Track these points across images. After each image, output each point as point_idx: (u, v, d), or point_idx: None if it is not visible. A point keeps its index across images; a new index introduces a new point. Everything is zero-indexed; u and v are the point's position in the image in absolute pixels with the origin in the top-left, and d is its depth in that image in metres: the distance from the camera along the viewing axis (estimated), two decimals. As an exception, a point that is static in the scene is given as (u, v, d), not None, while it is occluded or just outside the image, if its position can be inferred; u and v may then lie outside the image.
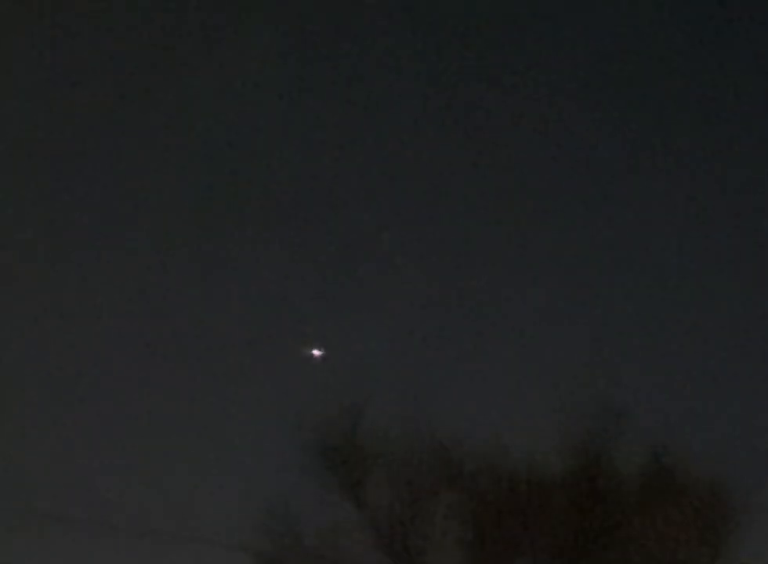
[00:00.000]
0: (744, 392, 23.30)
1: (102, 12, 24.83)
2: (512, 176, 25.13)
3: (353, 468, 21.43)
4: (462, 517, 21.52)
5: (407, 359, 23.09)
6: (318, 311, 24.29)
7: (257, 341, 23.62)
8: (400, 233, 25.03)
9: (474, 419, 21.43)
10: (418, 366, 22.96)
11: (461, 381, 22.92)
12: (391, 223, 24.96)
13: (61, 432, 22.39)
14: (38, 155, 24.50)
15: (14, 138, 24.24)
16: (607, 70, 25.59)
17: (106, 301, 24.05)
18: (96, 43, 24.84)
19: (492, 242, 24.98)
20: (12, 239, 24.08)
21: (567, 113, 25.34)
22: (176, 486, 21.79)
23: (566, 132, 25.41)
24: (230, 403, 22.72)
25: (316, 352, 23.84)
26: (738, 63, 26.17)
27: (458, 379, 22.98)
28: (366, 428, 21.54)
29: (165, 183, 24.77)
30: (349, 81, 25.58)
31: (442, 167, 25.36)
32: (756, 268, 24.86)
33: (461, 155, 25.30)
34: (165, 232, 24.63)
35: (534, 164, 25.36)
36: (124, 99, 24.97)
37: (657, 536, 21.31)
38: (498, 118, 25.23)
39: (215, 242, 24.71)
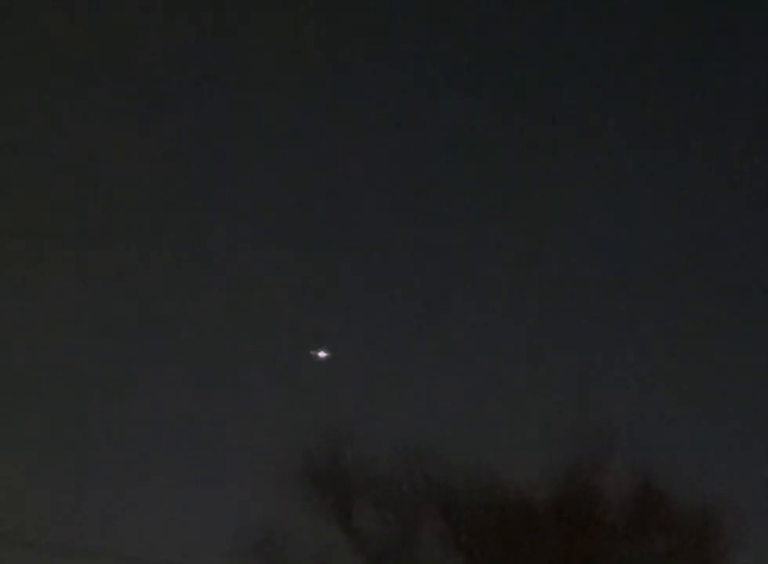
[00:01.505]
0: (734, 420, 23.31)
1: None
2: (509, 206, 25.20)
3: (341, 494, 21.35)
4: (451, 543, 21.43)
5: (396, 386, 22.99)
6: (305, 340, 24.15)
7: (244, 369, 23.48)
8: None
9: (463, 445, 21.32)
10: (407, 393, 22.91)
11: (450, 408, 22.86)
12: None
13: (45, 450, 22.16)
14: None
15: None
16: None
17: (94, 301, 23.88)
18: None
19: (482, 266, 24.94)
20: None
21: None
22: (165, 511, 21.61)
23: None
24: (219, 428, 22.58)
25: (321, 354, 23.81)
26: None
27: (447, 406, 22.93)
28: (355, 454, 21.43)
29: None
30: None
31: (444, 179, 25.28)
32: (741, 290, 24.89)
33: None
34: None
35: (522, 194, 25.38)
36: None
37: (647, 562, 21.27)
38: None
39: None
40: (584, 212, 25.34)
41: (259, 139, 25.18)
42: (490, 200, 25.48)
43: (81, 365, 23.19)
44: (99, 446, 22.47)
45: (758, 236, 25.11)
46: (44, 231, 24.27)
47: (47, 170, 24.58)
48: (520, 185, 25.50)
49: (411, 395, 22.84)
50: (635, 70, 26.14)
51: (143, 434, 22.56)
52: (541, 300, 24.70)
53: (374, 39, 25.81)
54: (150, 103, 24.96)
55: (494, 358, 23.99)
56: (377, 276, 24.67)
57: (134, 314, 23.98)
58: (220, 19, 25.41)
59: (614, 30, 26.15)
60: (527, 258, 24.77)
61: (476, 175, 25.66)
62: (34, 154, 24.52)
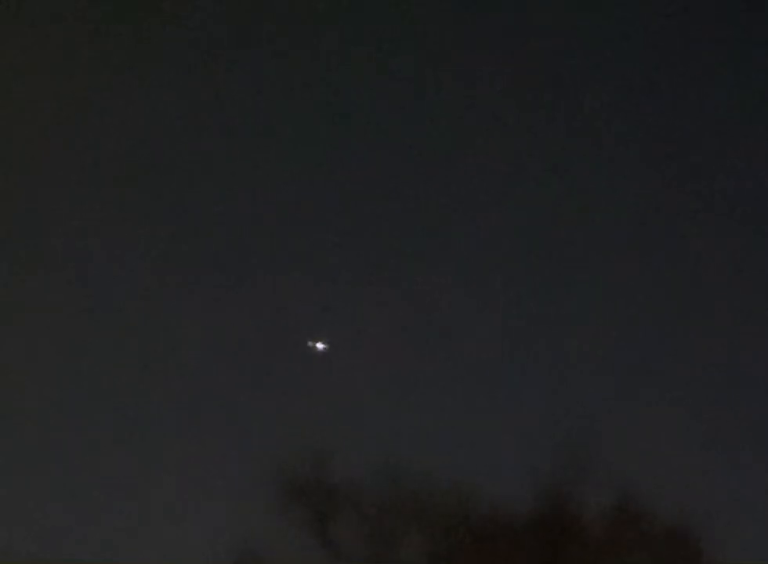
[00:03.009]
0: (713, 436, 23.41)
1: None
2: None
3: (322, 508, 21.39)
4: (431, 558, 21.49)
5: (376, 401, 23.01)
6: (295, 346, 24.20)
7: (224, 383, 23.50)
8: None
9: (442, 460, 21.42)
10: (387, 407, 22.92)
11: (430, 422, 22.88)
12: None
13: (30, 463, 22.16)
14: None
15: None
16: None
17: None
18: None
19: (462, 280, 25.04)
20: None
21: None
22: (144, 525, 21.59)
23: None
24: (198, 442, 22.54)
25: (319, 346, 23.84)
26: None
27: (426, 420, 22.95)
28: (335, 468, 21.51)
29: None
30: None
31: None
32: (720, 305, 25.05)
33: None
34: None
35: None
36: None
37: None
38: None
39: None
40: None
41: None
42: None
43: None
44: (85, 459, 22.46)
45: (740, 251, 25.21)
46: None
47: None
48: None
49: (391, 410, 22.85)
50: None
51: (129, 446, 22.58)
52: (520, 317, 24.77)
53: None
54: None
55: (476, 375, 24.07)
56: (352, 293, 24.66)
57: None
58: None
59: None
60: (505, 278, 24.86)
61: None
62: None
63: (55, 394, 22.94)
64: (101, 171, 24.53)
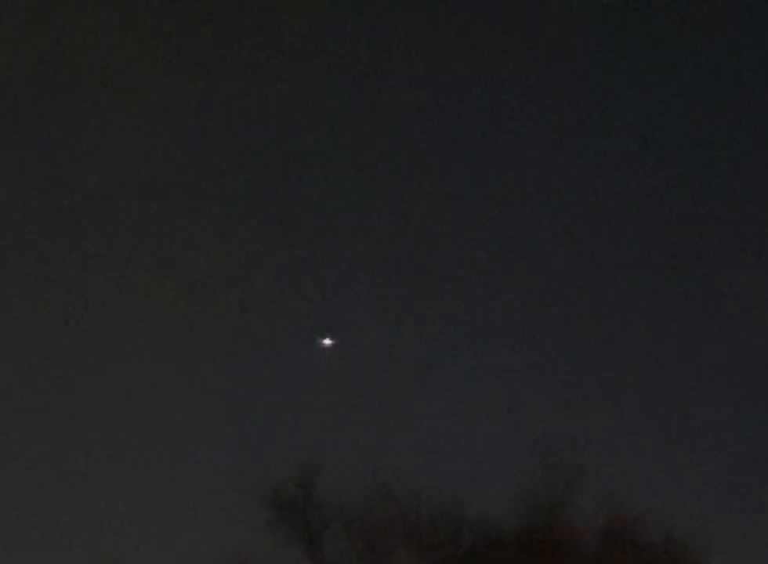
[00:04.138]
0: (701, 451, 23.50)
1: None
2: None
3: (310, 523, 21.33)
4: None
5: (365, 416, 23.03)
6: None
7: (213, 399, 23.47)
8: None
9: (433, 475, 21.42)
10: (377, 423, 22.93)
11: (420, 437, 22.92)
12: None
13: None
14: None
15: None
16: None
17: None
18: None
19: (458, 297, 25.09)
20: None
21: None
22: (134, 540, 21.56)
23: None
24: (187, 455, 22.51)
25: (327, 342, 23.81)
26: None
27: (416, 435, 22.98)
28: (324, 483, 21.47)
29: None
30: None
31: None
32: (706, 326, 25.16)
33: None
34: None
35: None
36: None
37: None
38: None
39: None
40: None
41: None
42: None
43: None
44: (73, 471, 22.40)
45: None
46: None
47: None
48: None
49: (381, 427, 22.87)
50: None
51: (119, 458, 22.54)
52: (510, 333, 24.84)
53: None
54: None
55: (466, 391, 24.12)
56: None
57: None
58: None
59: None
60: (494, 291, 24.92)
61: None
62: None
63: (40, 395, 22.94)
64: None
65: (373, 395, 23.51)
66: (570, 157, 25.66)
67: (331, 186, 25.06)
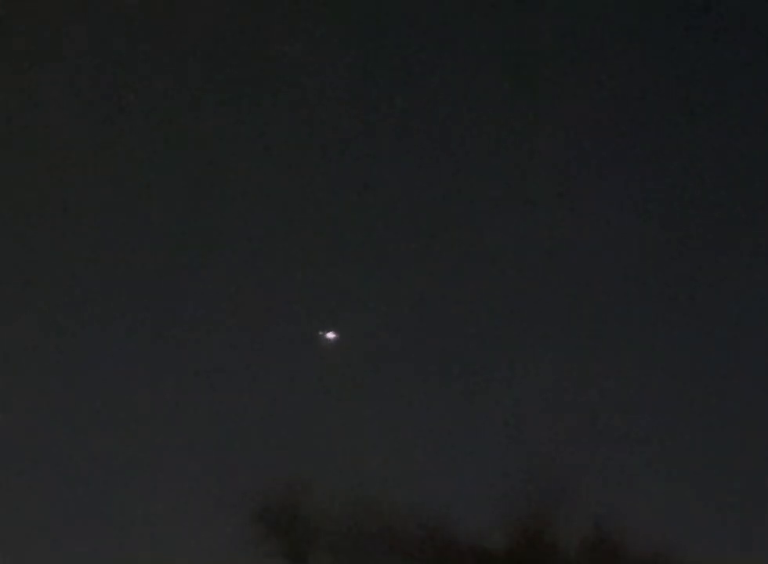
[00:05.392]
0: (688, 469, 23.50)
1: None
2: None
3: (297, 537, 21.30)
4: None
5: (353, 431, 22.97)
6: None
7: (200, 408, 23.39)
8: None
9: (418, 491, 21.39)
10: (364, 438, 22.88)
11: (406, 454, 22.85)
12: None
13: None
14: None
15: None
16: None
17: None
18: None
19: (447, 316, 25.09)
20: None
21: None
22: (119, 555, 21.42)
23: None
24: (173, 470, 22.40)
25: (330, 335, 23.78)
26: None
27: (403, 451, 22.93)
28: (311, 497, 21.43)
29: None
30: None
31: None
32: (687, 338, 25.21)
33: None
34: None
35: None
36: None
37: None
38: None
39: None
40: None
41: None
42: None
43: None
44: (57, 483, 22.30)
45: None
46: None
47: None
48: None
49: (369, 442, 22.82)
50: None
51: (105, 471, 22.44)
52: (495, 348, 24.81)
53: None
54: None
55: (451, 407, 24.08)
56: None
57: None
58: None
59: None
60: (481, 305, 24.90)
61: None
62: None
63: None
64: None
65: (359, 412, 23.45)
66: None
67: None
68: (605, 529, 21.69)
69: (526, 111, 25.32)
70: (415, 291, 24.58)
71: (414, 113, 25.53)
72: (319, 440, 22.23)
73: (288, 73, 25.36)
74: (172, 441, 22.70)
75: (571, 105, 25.34)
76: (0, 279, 23.43)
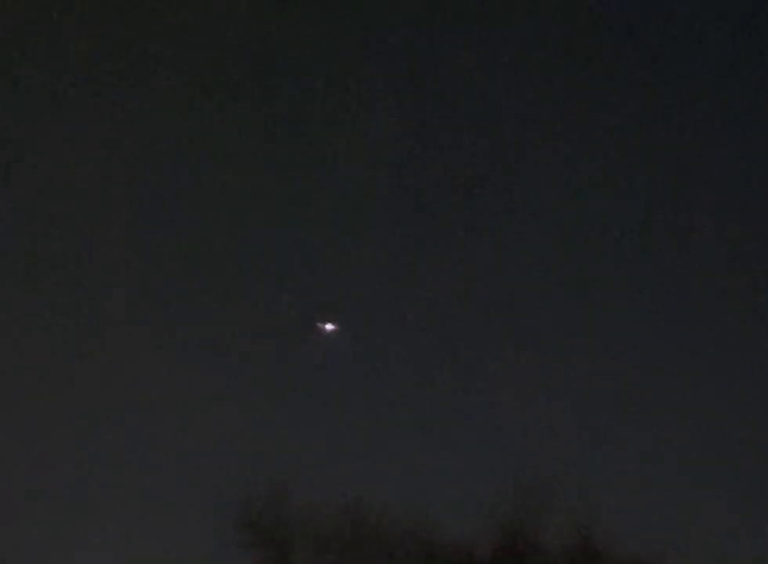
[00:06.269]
0: (672, 473, 23.50)
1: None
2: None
3: (279, 544, 21.25)
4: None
5: (335, 436, 22.98)
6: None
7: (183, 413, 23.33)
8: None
9: (402, 496, 21.36)
10: (346, 443, 22.88)
11: (389, 458, 22.86)
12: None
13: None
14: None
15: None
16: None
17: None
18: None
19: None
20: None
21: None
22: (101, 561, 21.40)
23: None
24: (154, 476, 22.37)
25: (329, 326, 23.71)
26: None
27: (386, 456, 22.92)
28: (293, 504, 21.40)
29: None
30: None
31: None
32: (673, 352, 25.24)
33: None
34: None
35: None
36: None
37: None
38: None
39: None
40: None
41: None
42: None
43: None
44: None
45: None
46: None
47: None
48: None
49: (352, 447, 22.83)
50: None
51: (87, 479, 22.37)
52: (481, 355, 24.82)
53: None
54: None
55: (434, 411, 24.08)
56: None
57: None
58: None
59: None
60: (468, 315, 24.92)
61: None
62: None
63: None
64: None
65: (345, 419, 23.49)
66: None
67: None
68: (589, 532, 21.69)
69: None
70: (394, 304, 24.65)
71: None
72: (302, 446, 22.25)
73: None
74: (156, 448, 22.68)
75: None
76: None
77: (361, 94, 25.37)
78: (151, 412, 22.94)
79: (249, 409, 23.20)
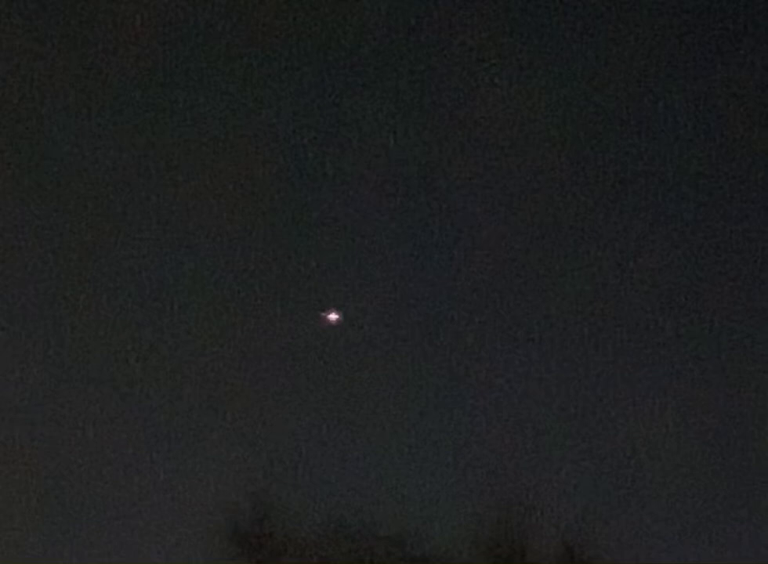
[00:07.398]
0: (657, 488, 23.59)
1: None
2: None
3: (263, 554, 21.23)
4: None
5: (319, 447, 23.01)
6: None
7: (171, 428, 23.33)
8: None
9: (387, 507, 21.41)
10: (331, 454, 22.90)
11: (374, 469, 22.90)
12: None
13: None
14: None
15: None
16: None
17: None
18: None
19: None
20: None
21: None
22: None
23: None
24: (139, 488, 22.34)
25: (333, 316, 23.66)
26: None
27: (371, 467, 22.97)
28: (277, 514, 21.38)
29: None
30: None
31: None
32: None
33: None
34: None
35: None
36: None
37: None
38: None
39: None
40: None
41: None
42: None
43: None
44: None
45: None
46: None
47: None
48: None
49: (337, 458, 22.86)
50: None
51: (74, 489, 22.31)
52: (466, 368, 24.88)
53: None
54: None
55: (421, 423, 24.13)
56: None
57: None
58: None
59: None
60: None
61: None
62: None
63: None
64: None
65: (328, 429, 23.51)
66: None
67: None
68: (575, 543, 21.73)
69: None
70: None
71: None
72: (287, 457, 22.29)
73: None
74: (143, 460, 22.70)
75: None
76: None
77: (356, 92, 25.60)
78: (138, 423, 22.98)
79: (237, 419, 23.28)
